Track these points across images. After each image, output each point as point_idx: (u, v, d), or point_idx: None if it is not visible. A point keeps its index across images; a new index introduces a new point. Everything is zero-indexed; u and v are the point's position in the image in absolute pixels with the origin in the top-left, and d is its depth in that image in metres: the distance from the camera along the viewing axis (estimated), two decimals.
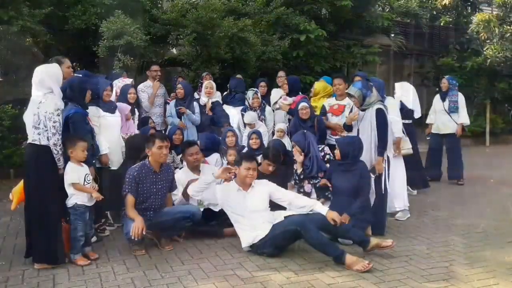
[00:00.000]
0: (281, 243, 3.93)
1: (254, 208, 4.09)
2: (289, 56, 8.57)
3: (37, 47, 8.06)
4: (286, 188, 4.77)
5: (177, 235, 4.34)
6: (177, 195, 4.53)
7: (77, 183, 3.79)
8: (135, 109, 5.69)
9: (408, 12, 11.86)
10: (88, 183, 3.87)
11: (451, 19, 12.87)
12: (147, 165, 4.15)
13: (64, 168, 3.76)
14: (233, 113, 6.15)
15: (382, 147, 4.45)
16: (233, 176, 4.24)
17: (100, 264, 3.81)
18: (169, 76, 9.49)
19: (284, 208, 4.21)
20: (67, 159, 3.79)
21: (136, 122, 5.59)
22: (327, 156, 4.95)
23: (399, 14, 11.78)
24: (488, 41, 11.11)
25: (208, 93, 6.15)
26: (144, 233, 3.90)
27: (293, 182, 4.93)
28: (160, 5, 8.19)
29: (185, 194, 4.54)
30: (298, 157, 4.79)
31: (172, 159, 5.33)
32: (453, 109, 6.92)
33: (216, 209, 4.47)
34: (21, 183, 3.86)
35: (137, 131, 5.30)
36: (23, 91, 6.88)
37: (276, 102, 6.19)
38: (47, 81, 3.66)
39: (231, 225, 4.27)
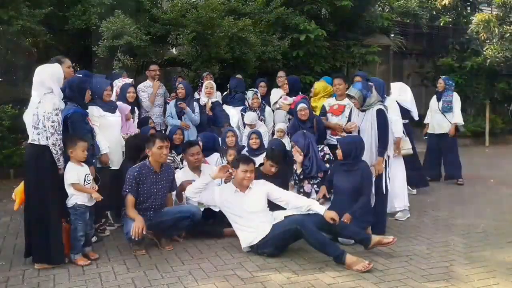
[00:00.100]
0: (281, 242, 3.93)
1: (252, 209, 4.09)
2: (289, 56, 8.56)
3: (37, 47, 8.07)
4: (287, 188, 4.78)
5: (177, 235, 4.35)
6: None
7: (77, 183, 3.79)
8: (135, 108, 5.70)
9: (408, 12, 11.86)
10: (88, 183, 3.87)
11: (450, 19, 12.87)
12: (148, 165, 4.16)
13: (64, 168, 3.76)
14: (232, 113, 6.15)
15: (383, 147, 4.45)
16: (232, 176, 4.25)
17: (101, 264, 3.82)
18: (169, 76, 9.49)
19: (284, 208, 4.21)
20: (67, 159, 3.79)
21: (136, 120, 5.60)
22: (327, 156, 4.95)
23: (398, 14, 11.78)
24: (488, 41, 11.11)
25: (208, 93, 6.16)
26: (144, 232, 3.91)
27: (292, 182, 4.93)
28: (160, 5, 8.18)
29: (179, 195, 4.53)
30: (298, 157, 4.79)
31: (172, 159, 5.34)
32: (446, 109, 6.93)
33: (216, 209, 4.47)
34: (23, 183, 3.86)
35: (137, 130, 5.31)
36: (23, 91, 6.90)
37: (276, 102, 6.19)
38: (47, 81, 3.66)
39: (231, 225, 4.27)
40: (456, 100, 6.95)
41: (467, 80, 11.38)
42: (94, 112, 4.45)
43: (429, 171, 7.07)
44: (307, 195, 4.76)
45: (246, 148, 5.54)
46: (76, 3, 7.31)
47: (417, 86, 12.27)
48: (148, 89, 6.41)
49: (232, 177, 4.26)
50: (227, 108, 6.22)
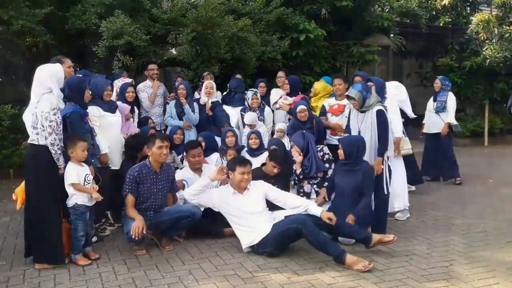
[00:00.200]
0: (282, 242, 3.94)
1: (252, 210, 4.09)
2: (288, 56, 8.56)
3: (37, 47, 8.07)
4: (289, 188, 4.79)
5: (177, 235, 4.35)
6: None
7: (77, 183, 3.79)
8: (135, 108, 5.70)
9: (408, 12, 11.86)
10: (88, 183, 3.87)
11: (450, 19, 12.86)
12: (148, 165, 4.16)
13: (64, 168, 3.76)
14: (232, 113, 6.15)
15: (383, 147, 4.45)
16: (229, 179, 4.25)
17: (101, 264, 3.82)
18: (168, 76, 9.49)
19: (283, 208, 4.22)
20: (68, 159, 3.79)
21: (136, 120, 5.60)
22: (326, 156, 4.94)
23: (398, 14, 11.78)
24: (487, 41, 11.10)
25: (208, 93, 6.16)
26: (144, 232, 3.91)
27: (292, 183, 4.94)
28: (160, 5, 8.18)
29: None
30: (297, 157, 4.79)
31: (172, 159, 5.34)
32: (439, 109, 6.93)
33: (216, 209, 4.47)
34: (24, 183, 3.86)
35: (137, 130, 5.32)
36: (22, 91, 6.89)
37: (276, 102, 6.19)
38: (47, 81, 3.66)
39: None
40: (451, 100, 6.94)
41: (466, 80, 11.38)
42: (94, 112, 4.45)
43: (428, 171, 7.08)
44: (307, 195, 4.77)
45: (246, 148, 5.54)
46: (76, 3, 7.31)
47: (416, 86, 12.28)
48: (147, 89, 6.41)
49: (230, 179, 4.26)
50: (226, 109, 6.22)
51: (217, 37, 7.30)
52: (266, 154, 5.28)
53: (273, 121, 6.15)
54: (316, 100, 5.84)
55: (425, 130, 7.19)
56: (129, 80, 6.06)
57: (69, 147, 3.78)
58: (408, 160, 5.65)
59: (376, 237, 3.97)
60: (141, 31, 7.03)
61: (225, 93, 6.61)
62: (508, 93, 11.47)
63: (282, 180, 4.74)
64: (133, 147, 4.76)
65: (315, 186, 4.81)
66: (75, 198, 3.81)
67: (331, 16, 9.26)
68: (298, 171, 4.81)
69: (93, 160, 4.08)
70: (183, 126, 5.88)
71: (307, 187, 4.81)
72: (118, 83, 5.76)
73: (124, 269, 3.71)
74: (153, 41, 7.42)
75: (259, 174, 4.63)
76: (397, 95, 5.65)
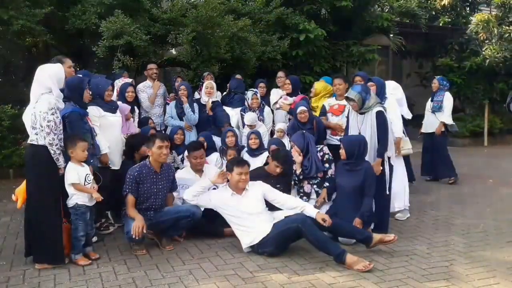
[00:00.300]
0: (282, 242, 3.94)
1: (250, 210, 4.10)
2: (288, 56, 8.56)
3: (37, 47, 8.06)
4: (291, 188, 4.78)
5: (177, 235, 4.35)
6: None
7: (78, 183, 3.79)
8: (135, 108, 5.69)
9: (407, 12, 11.86)
10: (89, 183, 3.87)
11: (450, 20, 12.85)
12: (148, 165, 4.16)
13: (65, 168, 3.76)
14: (232, 114, 6.15)
15: (382, 148, 4.46)
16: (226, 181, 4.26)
17: (101, 264, 3.82)
18: (168, 76, 9.49)
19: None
20: (68, 159, 3.79)
21: (136, 119, 5.60)
22: (326, 156, 4.93)
23: (398, 14, 11.77)
24: (487, 41, 11.10)
25: (209, 93, 6.16)
26: (144, 231, 3.91)
27: (292, 183, 4.93)
28: (160, 5, 8.18)
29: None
30: (297, 157, 4.79)
31: (173, 159, 5.34)
32: (435, 109, 6.94)
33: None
34: (24, 183, 3.86)
35: (137, 130, 5.33)
36: (22, 91, 6.89)
37: (276, 102, 6.18)
38: (47, 81, 3.66)
39: None
40: (447, 100, 6.93)
41: (466, 80, 11.38)
42: (95, 112, 4.45)
43: (427, 171, 7.08)
44: (307, 195, 4.77)
45: (246, 148, 5.55)
46: (76, 3, 7.31)
47: (416, 87, 12.28)
48: (147, 89, 6.41)
49: (227, 180, 4.26)
50: (226, 109, 6.21)
51: (217, 37, 7.30)
52: (266, 154, 5.29)
53: (273, 121, 6.15)
54: (316, 100, 5.84)
55: (422, 130, 7.21)
56: (129, 80, 6.05)
57: (69, 147, 3.78)
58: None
59: (377, 237, 3.98)
60: (141, 31, 7.02)
61: (224, 93, 6.61)
62: (507, 93, 11.49)
63: (284, 180, 4.73)
64: (130, 147, 4.78)
65: (315, 186, 4.80)
66: (76, 198, 3.81)
67: (331, 16, 9.25)
68: (298, 171, 4.81)
69: (92, 161, 4.08)
70: (184, 127, 5.88)
71: (307, 187, 4.81)
72: (118, 83, 5.76)
73: (124, 269, 3.71)
74: (153, 41, 7.41)
75: (261, 174, 4.64)
76: (393, 94, 5.65)
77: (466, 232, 4.65)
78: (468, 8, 13.41)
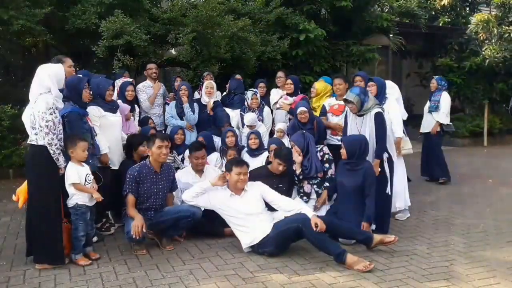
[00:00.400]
0: (283, 241, 3.94)
1: (249, 211, 4.09)
2: (288, 56, 8.56)
3: (37, 47, 8.06)
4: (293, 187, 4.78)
5: (178, 234, 4.35)
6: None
7: (78, 183, 3.79)
8: (135, 106, 5.68)
9: (407, 12, 11.86)
10: (89, 183, 3.87)
11: (449, 20, 12.85)
12: (148, 165, 4.16)
13: (65, 167, 3.76)
14: (232, 115, 6.14)
15: (380, 150, 4.47)
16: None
17: (102, 264, 3.82)
18: (168, 76, 9.49)
19: None
20: (69, 158, 3.79)
21: (137, 118, 5.60)
22: (326, 156, 4.93)
23: (398, 14, 11.78)
24: (487, 41, 11.10)
25: (209, 93, 6.16)
26: (144, 230, 3.91)
27: None
28: (160, 5, 8.18)
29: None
30: (297, 157, 4.79)
31: (173, 159, 5.34)
32: (432, 109, 6.95)
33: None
34: (26, 183, 3.86)
35: (138, 128, 5.32)
36: (22, 91, 6.89)
37: (276, 102, 6.18)
38: (46, 80, 3.65)
39: None
40: (444, 100, 6.92)
41: (466, 80, 11.37)
42: (95, 112, 4.44)
43: (426, 171, 7.08)
44: (307, 195, 4.77)
45: (246, 148, 5.55)
46: (76, 3, 7.31)
47: (416, 87, 12.29)
48: (147, 89, 6.39)
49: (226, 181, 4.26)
50: (226, 110, 6.21)
51: (217, 36, 7.30)
52: (265, 154, 5.29)
53: (273, 121, 6.15)
54: (317, 100, 5.83)
55: (421, 130, 7.21)
56: (129, 80, 6.05)
57: (69, 147, 3.78)
58: None
59: (377, 237, 3.98)
60: (141, 31, 7.02)
61: (224, 93, 6.61)
62: (507, 93, 11.50)
63: (287, 180, 4.72)
64: (128, 146, 4.79)
65: (315, 186, 4.80)
66: (76, 198, 3.80)
67: (331, 16, 9.25)
68: (298, 171, 4.81)
69: (90, 161, 4.06)
70: (185, 127, 5.88)
71: (307, 187, 4.81)
72: (118, 83, 5.76)
73: (125, 269, 3.71)
74: (153, 41, 7.41)
75: (264, 173, 4.64)
76: (390, 94, 5.66)
77: (466, 232, 4.65)
78: (468, 8, 13.41)
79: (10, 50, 8.10)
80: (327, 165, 4.86)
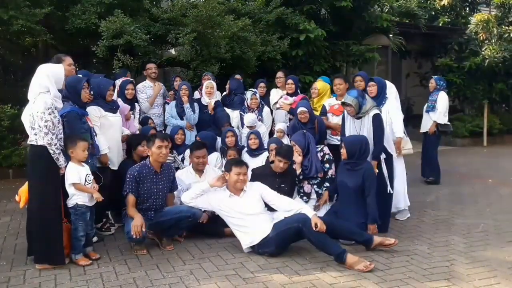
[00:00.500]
0: (283, 242, 3.93)
1: (249, 211, 4.09)
2: (288, 56, 8.56)
3: (37, 47, 8.05)
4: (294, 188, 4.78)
5: (178, 235, 4.34)
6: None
7: (78, 183, 3.79)
8: (135, 105, 5.67)
9: (407, 12, 11.86)
10: (89, 183, 3.87)
11: (449, 20, 12.86)
12: (148, 165, 4.15)
13: (65, 167, 3.75)
14: (232, 116, 6.13)
15: (378, 151, 4.47)
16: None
17: (102, 264, 3.82)
18: (168, 76, 9.47)
19: None
20: (69, 158, 3.79)
21: (137, 116, 5.59)
22: (326, 156, 4.93)
23: (398, 14, 11.78)
24: (487, 41, 11.10)
25: (209, 93, 6.15)
26: (144, 230, 3.90)
27: None
28: (160, 5, 8.17)
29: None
30: (297, 157, 4.79)
31: (173, 159, 5.34)
32: (429, 108, 6.95)
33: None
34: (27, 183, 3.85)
35: (138, 126, 5.31)
36: (22, 91, 6.88)
37: (276, 102, 6.18)
38: (45, 80, 3.65)
39: None
40: (441, 100, 6.90)
41: (465, 81, 11.37)
42: (95, 112, 4.44)
43: (426, 171, 7.07)
44: (307, 195, 4.77)
45: (246, 148, 5.54)
46: (76, 3, 7.30)
47: (416, 87, 12.29)
48: (146, 89, 6.36)
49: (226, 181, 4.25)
50: (226, 111, 6.21)
51: (217, 36, 7.29)
52: (265, 154, 5.28)
53: (273, 121, 6.14)
54: (319, 100, 5.82)
55: (421, 130, 7.21)
56: (129, 79, 6.03)
57: (69, 147, 3.77)
58: None
59: (377, 239, 3.98)
60: (141, 30, 7.02)
61: (224, 93, 6.60)
62: (507, 93, 11.51)
63: (289, 179, 4.70)
64: (128, 145, 4.79)
65: (315, 186, 4.80)
66: (76, 198, 3.80)
67: (331, 16, 9.25)
68: (298, 171, 4.81)
69: (89, 161, 4.05)
70: (185, 127, 5.88)
71: (307, 187, 4.81)
72: (118, 82, 5.74)
73: (125, 269, 3.70)
74: (153, 41, 7.41)
75: (266, 172, 4.63)
76: (389, 94, 5.66)
77: (467, 232, 4.65)
78: (467, 8, 13.41)
79: (10, 50, 8.08)
80: (327, 165, 4.86)
